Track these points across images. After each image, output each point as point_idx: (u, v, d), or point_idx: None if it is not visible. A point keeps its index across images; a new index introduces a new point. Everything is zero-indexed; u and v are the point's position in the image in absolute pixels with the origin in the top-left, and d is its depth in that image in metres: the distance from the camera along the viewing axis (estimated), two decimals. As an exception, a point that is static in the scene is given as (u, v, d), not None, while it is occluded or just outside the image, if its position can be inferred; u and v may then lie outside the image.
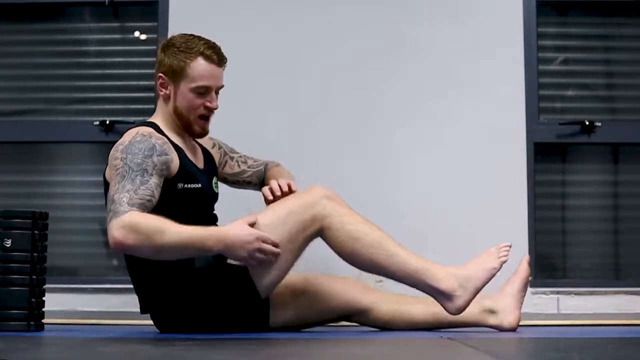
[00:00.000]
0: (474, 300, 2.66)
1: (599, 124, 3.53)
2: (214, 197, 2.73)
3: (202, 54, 2.59)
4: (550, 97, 3.65)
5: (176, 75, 2.60)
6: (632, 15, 3.70)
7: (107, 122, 3.54)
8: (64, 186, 3.73)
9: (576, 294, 3.42)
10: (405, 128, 3.45)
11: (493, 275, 2.55)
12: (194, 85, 2.59)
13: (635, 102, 3.72)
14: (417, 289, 2.57)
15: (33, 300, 2.53)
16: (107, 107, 3.67)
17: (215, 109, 2.64)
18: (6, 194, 3.69)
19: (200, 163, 2.70)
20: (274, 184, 2.65)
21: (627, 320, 3.31)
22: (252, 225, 2.47)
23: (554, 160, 3.64)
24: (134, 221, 2.33)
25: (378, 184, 3.42)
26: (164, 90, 2.64)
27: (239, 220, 2.48)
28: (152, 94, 3.53)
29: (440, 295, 2.53)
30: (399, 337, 2.37)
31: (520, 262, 2.74)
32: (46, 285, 2.61)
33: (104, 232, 3.53)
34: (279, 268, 2.52)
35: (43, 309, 2.59)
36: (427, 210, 3.40)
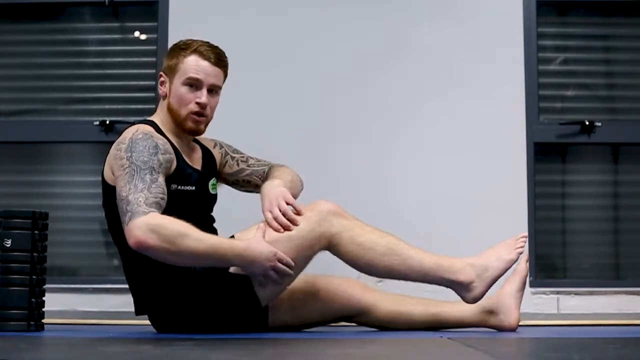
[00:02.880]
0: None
1: (599, 124, 3.53)
2: (211, 198, 2.71)
3: (196, 50, 2.60)
4: (550, 97, 3.65)
5: (172, 71, 2.62)
6: (632, 15, 3.70)
7: (107, 122, 3.54)
8: (64, 186, 3.73)
9: (576, 294, 3.42)
10: (405, 128, 3.45)
11: (510, 267, 2.60)
12: (184, 77, 2.59)
13: (635, 102, 3.72)
14: (437, 284, 2.60)
15: (33, 300, 2.52)
16: (107, 107, 3.67)
17: (204, 104, 2.59)
18: (6, 194, 3.69)
19: (197, 164, 2.68)
20: (275, 210, 2.52)
21: (627, 320, 3.31)
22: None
23: (554, 160, 3.64)
24: (155, 223, 2.33)
25: (378, 183, 3.42)
26: (162, 88, 2.66)
27: (257, 234, 2.49)
28: (152, 94, 3.54)
29: (458, 287, 2.57)
30: (399, 337, 2.37)
31: (519, 262, 2.73)
32: (46, 285, 2.61)
33: (104, 232, 3.54)
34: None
35: (43, 309, 2.59)
36: (426, 209, 3.40)
